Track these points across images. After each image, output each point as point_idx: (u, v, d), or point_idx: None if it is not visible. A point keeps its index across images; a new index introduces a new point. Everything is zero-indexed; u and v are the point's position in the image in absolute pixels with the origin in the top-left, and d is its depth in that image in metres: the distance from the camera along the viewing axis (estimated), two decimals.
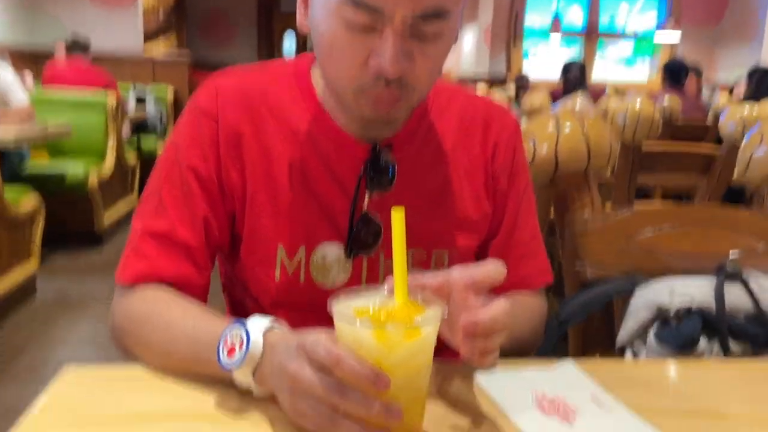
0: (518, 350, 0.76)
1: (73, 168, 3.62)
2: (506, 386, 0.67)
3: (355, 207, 0.78)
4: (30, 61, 5.47)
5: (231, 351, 0.60)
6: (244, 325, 0.61)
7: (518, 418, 0.60)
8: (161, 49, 7.07)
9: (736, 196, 3.18)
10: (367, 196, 0.79)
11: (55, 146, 3.83)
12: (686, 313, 0.97)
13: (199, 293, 0.77)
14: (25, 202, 2.89)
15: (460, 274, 0.60)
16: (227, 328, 0.62)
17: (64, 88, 4.27)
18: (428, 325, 0.54)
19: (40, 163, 3.68)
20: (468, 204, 0.85)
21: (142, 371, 0.67)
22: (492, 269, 0.60)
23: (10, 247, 2.74)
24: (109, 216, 3.95)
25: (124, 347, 0.74)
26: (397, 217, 0.58)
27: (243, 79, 0.82)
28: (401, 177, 0.80)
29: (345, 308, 0.55)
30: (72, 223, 3.74)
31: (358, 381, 0.51)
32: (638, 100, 2.02)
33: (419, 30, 0.66)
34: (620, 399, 0.64)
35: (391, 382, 0.51)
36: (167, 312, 0.71)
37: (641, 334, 0.98)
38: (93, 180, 3.66)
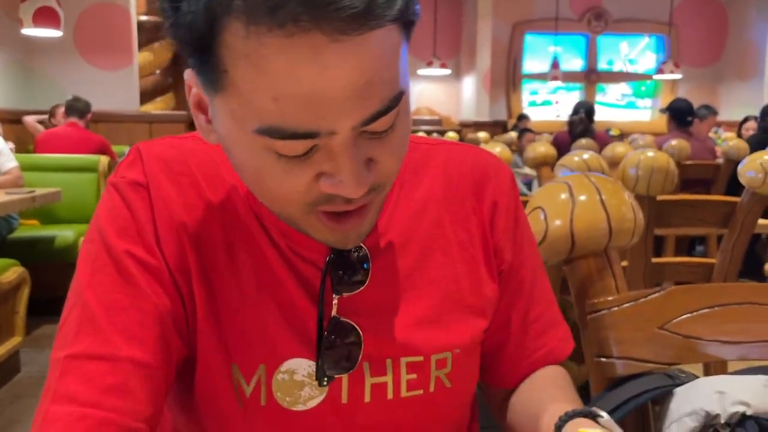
0: None
1: (62, 232, 3.49)
2: None
3: (322, 315, 0.61)
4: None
5: None
6: None
7: None
8: (159, 109, 7.04)
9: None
10: (334, 298, 0.62)
11: (45, 212, 3.72)
12: (739, 422, 0.80)
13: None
14: (8, 273, 2.74)
15: None
16: None
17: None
18: None
19: (27, 229, 3.56)
20: (467, 289, 0.68)
21: None
22: None
23: None
24: None
25: None
26: None
27: (173, 147, 0.64)
28: (377, 269, 0.63)
29: None
30: (62, 290, 3.56)
31: None
32: (650, 152, 1.88)
33: (372, 129, 0.51)
34: None
35: None
36: None
37: None
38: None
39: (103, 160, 3.87)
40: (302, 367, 0.62)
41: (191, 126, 6.64)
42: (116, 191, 0.61)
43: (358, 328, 0.63)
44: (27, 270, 2.87)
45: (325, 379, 0.62)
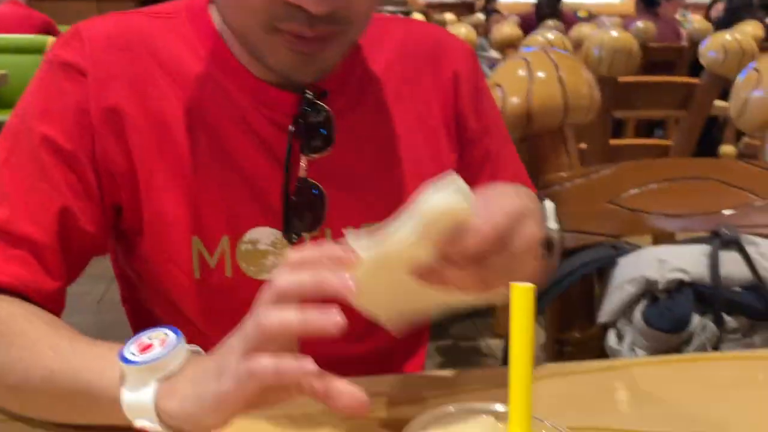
0: None
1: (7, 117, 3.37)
2: None
3: (288, 176, 0.63)
4: None
5: (146, 348, 0.47)
6: (171, 328, 0.49)
7: None
8: None
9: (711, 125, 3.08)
10: (302, 160, 0.63)
11: None
12: (677, 288, 0.85)
13: (49, 303, 0.59)
14: None
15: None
16: (147, 330, 0.49)
17: None
18: None
19: None
20: (426, 159, 0.70)
21: None
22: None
23: None
24: None
25: None
26: (522, 297, 0.38)
27: (119, 23, 0.64)
28: (342, 134, 0.64)
29: None
30: None
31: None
32: (613, 32, 1.86)
33: None
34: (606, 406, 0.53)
35: None
36: (21, 332, 0.54)
37: (626, 311, 0.87)
38: None
39: (51, 40, 3.67)
40: (265, 235, 0.64)
41: (141, 4, 6.29)
42: (49, 70, 0.61)
43: (322, 189, 0.64)
44: None
45: (293, 236, 0.63)
